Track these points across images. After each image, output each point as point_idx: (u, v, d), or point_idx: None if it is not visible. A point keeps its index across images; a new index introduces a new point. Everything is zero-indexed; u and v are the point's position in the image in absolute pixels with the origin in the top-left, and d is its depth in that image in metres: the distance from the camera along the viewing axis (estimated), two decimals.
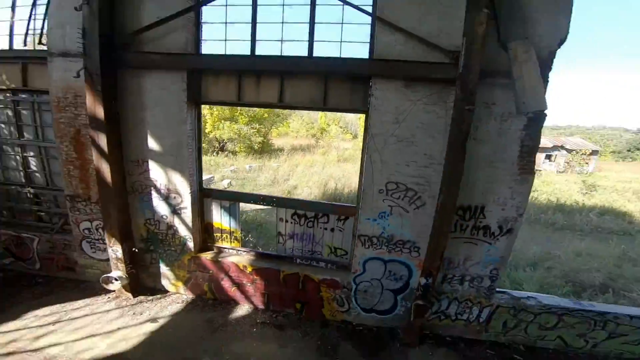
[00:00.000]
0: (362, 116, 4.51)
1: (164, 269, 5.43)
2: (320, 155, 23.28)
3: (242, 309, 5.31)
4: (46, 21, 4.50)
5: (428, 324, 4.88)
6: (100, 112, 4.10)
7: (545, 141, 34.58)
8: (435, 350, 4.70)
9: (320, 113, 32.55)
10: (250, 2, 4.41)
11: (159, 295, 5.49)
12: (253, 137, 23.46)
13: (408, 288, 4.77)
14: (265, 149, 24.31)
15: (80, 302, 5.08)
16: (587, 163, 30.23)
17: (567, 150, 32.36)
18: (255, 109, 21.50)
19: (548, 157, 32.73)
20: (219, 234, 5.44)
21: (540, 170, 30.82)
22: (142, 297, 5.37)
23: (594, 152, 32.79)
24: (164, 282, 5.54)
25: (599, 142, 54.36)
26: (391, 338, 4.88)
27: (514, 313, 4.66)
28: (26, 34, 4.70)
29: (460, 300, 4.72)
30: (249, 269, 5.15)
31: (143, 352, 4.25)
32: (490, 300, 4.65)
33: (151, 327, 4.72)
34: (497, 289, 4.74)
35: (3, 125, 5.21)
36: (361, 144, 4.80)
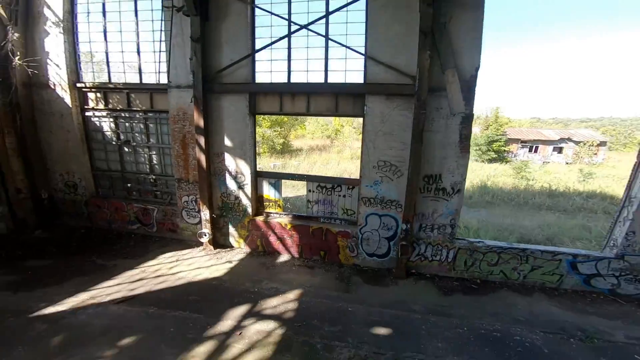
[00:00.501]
0: (362, 119, 6.86)
1: (231, 229, 7.98)
2: (335, 154, 25.73)
3: (284, 257, 7.76)
4: (165, 65, 7.18)
5: (413, 265, 7.11)
6: (201, 123, 6.73)
7: (551, 134, 35.46)
8: (417, 282, 6.90)
9: (334, 118, 35.18)
10: (286, 47, 6.90)
11: (228, 249, 8.05)
12: (275, 139, 26.24)
13: (396, 235, 7.04)
14: (285, 150, 27.05)
15: (185, 251, 7.75)
16: (595, 154, 31.03)
17: (574, 142, 33.20)
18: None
19: (556, 149, 33.70)
20: (267, 203, 7.94)
21: (547, 162, 31.88)
22: (219, 249, 7.96)
23: (602, 143, 33.41)
24: (231, 240, 8.09)
25: (624, 134, 53.76)
26: (388, 274, 7.12)
27: (470, 253, 6.79)
28: (158, 73, 7.41)
29: (433, 244, 6.92)
30: (289, 226, 7.59)
31: (229, 276, 6.78)
32: (453, 244, 6.82)
33: (229, 265, 7.27)
34: (458, 237, 6.93)
35: (137, 134, 7.99)
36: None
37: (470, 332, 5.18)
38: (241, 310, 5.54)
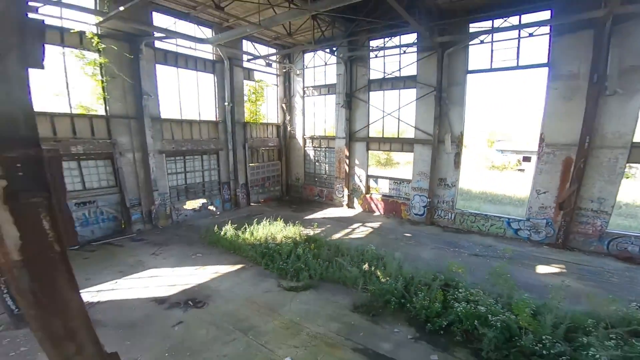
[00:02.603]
0: (412, 153, 15.30)
1: (355, 200, 17.93)
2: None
3: (376, 213, 17.01)
4: (335, 128, 18.16)
5: (434, 220, 14.97)
6: (347, 153, 17.16)
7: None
8: (435, 227, 14.71)
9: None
10: (382, 122, 16.38)
11: (354, 209, 18.01)
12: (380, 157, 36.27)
13: (427, 205, 15.09)
14: (388, 162, 36.91)
15: (337, 209, 18.28)
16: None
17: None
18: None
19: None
20: (371, 188, 17.49)
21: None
22: (350, 208, 18.09)
23: None
24: (355, 204, 18.02)
25: None
26: (422, 223, 15.25)
27: (462, 215, 14.13)
28: (335, 131, 18.63)
29: (444, 210, 14.63)
30: (380, 199, 16.85)
31: (353, 216, 16.78)
32: (454, 210, 14.34)
33: (353, 213, 17.27)
34: (456, 208, 14.35)
35: (322, 157, 19.39)
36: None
37: (443, 241, 12.99)
38: (357, 225, 15.25)
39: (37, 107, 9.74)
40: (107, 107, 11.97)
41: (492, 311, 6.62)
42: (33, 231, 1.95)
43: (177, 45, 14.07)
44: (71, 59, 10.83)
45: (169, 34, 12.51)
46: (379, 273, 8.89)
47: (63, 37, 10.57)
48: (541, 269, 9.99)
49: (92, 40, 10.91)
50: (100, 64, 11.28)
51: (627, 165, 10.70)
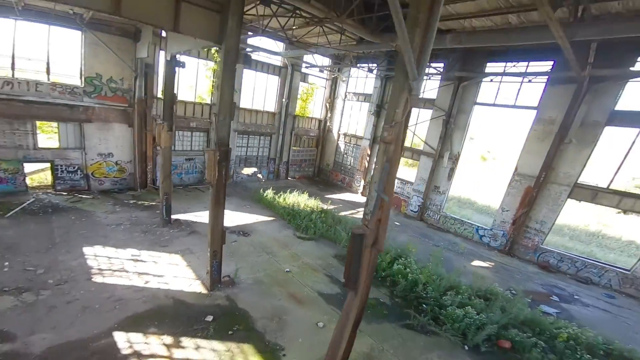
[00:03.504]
0: (419, 162, 18.96)
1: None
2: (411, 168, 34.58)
3: None
4: (364, 130, 22.38)
5: (425, 218, 18.90)
6: (369, 152, 21.38)
7: None
8: (423, 223, 18.67)
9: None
10: None
11: (366, 197, 22.45)
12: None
13: (420, 204, 19.00)
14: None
15: (350, 194, 22.91)
16: None
17: None
18: None
19: None
20: None
21: None
22: (364, 195, 22.57)
23: None
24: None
25: None
26: (416, 219, 19.29)
27: (445, 217, 17.91)
28: (364, 131, 22.95)
29: (433, 211, 18.48)
30: None
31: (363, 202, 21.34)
32: (441, 213, 18.14)
33: (364, 199, 21.79)
34: (442, 210, 18.12)
35: (350, 150, 23.83)
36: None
37: (421, 233, 17.07)
38: (363, 209, 19.80)
39: (181, 96, 15.83)
40: (212, 98, 17.86)
41: (411, 272, 11.03)
42: (219, 173, 7.17)
43: (258, 54, 19.23)
44: (201, 66, 17.09)
45: (255, 48, 17.61)
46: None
47: (199, 52, 16.50)
48: (475, 262, 13.83)
49: (215, 54, 16.62)
50: (214, 70, 16.97)
51: (568, 199, 13.63)
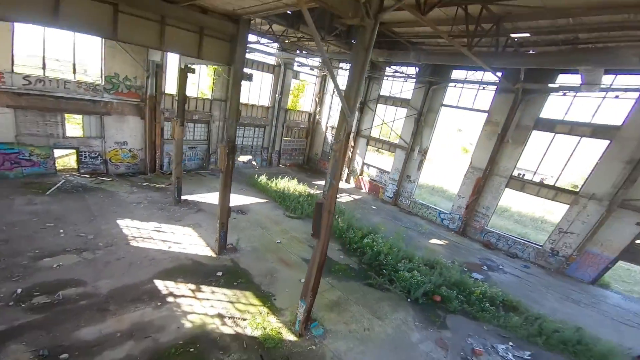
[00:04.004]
0: (394, 154, 21.74)
1: (351, 178, 25.15)
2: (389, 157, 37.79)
3: (363, 190, 24.21)
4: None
5: (399, 203, 21.91)
6: (352, 144, 24.09)
7: None
8: (396, 208, 21.74)
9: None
10: (380, 127, 22.90)
11: (350, 184, 25.31)
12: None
13: (395, 191, 21.97)
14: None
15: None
16: None
17: None
18: None
19: None
20: (364, 171, 24.54)
21: None
22: (347, 184, 25.41)
23: None
24: (351, 181, 25.29)
25: None
26: (391, 203, 22.28)
27: (415, 203, 20.94)
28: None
29: (405, 197, 21.48)
30: (368, 181, 23.93)
31: (348, 188, 24.18)
32: (411, 199, 21.15)
33: (347, 186, 24.63)
34: (412, 197, 21.14)
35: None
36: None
37: (393, 216, 20.09)
38: (346, 195, 22.65)
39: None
40: (212, 94, 20.04)
41: (377, 245, 13.97)
42: (227, 163, 9.83)
43: (254, 54, 21.30)
44: (202, 66, 18.87)
45: (253, 50, 19.70)
46: (339, 219, 16.48)
47: None
48: (433, 240, 16.94)
49: None
50: (215, 69, 19.08)
51: (506, 188, 16.76)
